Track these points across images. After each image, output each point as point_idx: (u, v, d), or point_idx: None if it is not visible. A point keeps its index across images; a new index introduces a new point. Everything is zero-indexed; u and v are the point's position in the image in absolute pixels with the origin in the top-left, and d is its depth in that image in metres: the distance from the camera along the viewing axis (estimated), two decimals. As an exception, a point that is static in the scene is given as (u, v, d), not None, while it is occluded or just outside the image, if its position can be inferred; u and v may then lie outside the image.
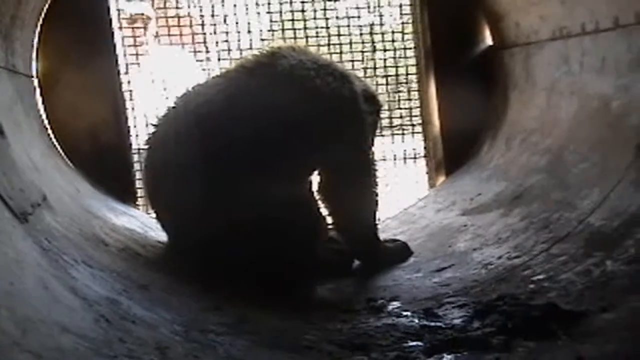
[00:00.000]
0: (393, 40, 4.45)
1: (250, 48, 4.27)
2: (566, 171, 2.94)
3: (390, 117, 4.47)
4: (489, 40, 4.11)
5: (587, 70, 3.02)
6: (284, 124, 2.72)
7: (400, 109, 4.45)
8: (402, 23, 4.52)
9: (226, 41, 4.29)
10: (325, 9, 4.30)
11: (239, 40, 4.35)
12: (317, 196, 2.99)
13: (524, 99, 3.72)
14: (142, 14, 4.82)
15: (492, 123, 3.97)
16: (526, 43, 3.63)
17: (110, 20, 3.80)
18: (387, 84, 4.43)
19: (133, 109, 4.07)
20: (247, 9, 4.34)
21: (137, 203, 3.82)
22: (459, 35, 4.10)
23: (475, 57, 4.11)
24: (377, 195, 3.02)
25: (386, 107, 4.32)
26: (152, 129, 3.01)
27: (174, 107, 2.97)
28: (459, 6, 4.07)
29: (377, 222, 3.08)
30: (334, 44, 4.31)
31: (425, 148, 4.38)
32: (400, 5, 4.37)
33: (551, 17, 3.29)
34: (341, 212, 2.98)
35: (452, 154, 4.11)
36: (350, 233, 3.02)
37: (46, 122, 3.46)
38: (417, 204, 4.02)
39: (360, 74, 4.22)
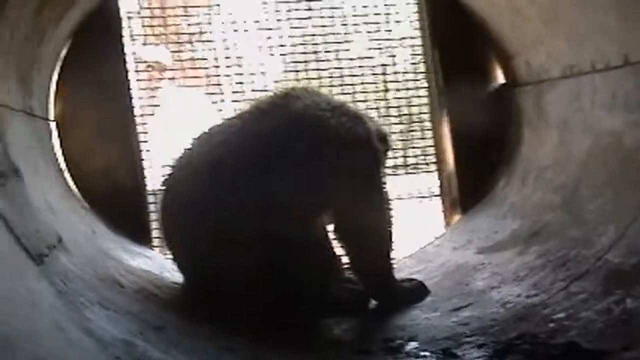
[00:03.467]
0: (406, 80, 4.48)
1: (265, 90, 4.32)
2: (581, 207, 2.92)
3: (405, 156, 4.47)
4: (500, 79, 4.13)
5: (599, 107, 3.02)
6: (299, 164, 2.73)
7: (415, 147, 4.46)
8: (414, 63, 4.55)
9: (240, 83, 4.34)
10: (337, 50, 4.34)
11: (253, 82, 4.40)
12: (331, 235, 2.98)
13: (537, 136, 3.72)
14: (158, 62, 4.88)
15: (507, 160, 3.96)
16: (537, 81, 3.64)
17: (126, 63, 3.86)
18: (400, 123, 4.45)
19: (149, 150, 4.09)
20: (260, 51, 4.39)
21: (153, 244, 3.83)
22: (471, 74, 4.12)
23: (488, 95, 4.12)
24: (392, 234, 3.00)
25: (398, 147, 4.34)
26: (168, 171, 3.02)
27: (189, 149, 2.99)
28: (470, 46, 4.09)
29: (392, 261, 3.06)
30: (346, 85, 4.35)
31: (440, 186, 4.38)
32: (412, 46, 4.41)
33: (560, 56, 3.31)
34: (356, 251, 2.96)
35: (467, 192, 4.10)
36: (366, 272, 3.00)
37: (62, 164, 3.49)
38: (433, 243, 4.00)
39: (374, 114, 4.25)
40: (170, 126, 4.44)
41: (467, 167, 4.07)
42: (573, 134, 3.25)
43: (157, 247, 3.81)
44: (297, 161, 2.73)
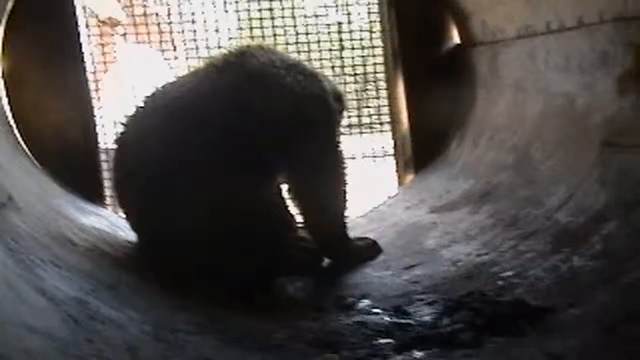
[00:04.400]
0: (361, 39, 4.46)
1: (219, 47, 4.26)
2: (533, 168, 2.98)
3: (359, 116, 4.48)
4: (456, 39, 4.14)
5: (552, 68, 3.06)
6: (254, 122, 2.71)
7: (369, 107, 4.47)
8: (370, 22, 4.53)
9: (194, 40, 4.27)
10: (293, 8, 4.30)
11: (207, 39, 4.33)
12: (286, 195, 2.99)
13: (490, 97, 3.75)
14: (111, 18, 4.76)
15: (460, 121, 4.00)
16: (493, 41, 3.66)
17: (77, 18, 3.76)
18: (355, 82, 4.45)
19: (100, 108, 4.03)
20: (214, 7, 4.32)
21: (106, 202, 3.79)
22: (426, 33, 4.12)
23: (443, 55, 4.14)
24: (346, 193, 3.02)
25: (353, 106, 4.33)
26: (120, 128, 2.98)
27: (142, 106, 2.94)
28: (426, 5, 4.09)
29: (346, 220, 3.08)
30: (301, 43, 4.31)
31: (394, 146, 4.40)
32: (368, 4, 4.39)
33: (517, 16, 3.33)
34: (310, 210, 2.97)
35: (420, 152, 4.13)
36: (320, 231, 3.01)
37: (12, 121, 3.41)
38: (386, 202, 4.03)
39: (329, 72, 4.23)
40: (122, 83, 4.36)
41: (421, 128, 4.10)
42: (526, 95, 3.29)
43: (109, 205, 3.77)
44: (251, 120, 2.72)
